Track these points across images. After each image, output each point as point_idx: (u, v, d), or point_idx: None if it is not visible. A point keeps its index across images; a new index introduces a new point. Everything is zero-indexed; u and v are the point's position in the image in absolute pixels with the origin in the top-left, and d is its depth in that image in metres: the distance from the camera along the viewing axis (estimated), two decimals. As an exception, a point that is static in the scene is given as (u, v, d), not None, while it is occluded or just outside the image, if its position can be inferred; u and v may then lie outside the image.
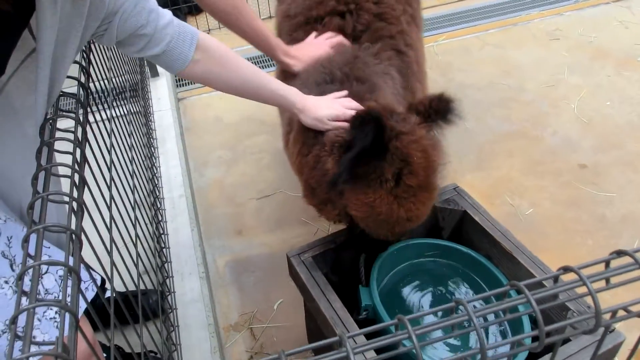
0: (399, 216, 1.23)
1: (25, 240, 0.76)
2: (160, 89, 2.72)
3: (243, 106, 2.75)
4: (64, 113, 1.06)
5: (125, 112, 1.75)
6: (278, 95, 1.31)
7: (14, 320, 0.64)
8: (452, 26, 3.32)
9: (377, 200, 1.21)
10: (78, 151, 1.00)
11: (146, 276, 1.54)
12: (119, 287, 1.29)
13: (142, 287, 1.35)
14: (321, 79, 1.40)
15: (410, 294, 1.53)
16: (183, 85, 2.98)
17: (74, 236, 0.79)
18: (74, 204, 0.86)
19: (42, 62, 0.91)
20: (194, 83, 2.96)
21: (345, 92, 1.34)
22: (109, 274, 1.06)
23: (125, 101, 1.83)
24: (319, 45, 1.52)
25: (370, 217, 1.25)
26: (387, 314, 1.32)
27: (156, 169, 2.15)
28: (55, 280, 1.21)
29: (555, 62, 3.01)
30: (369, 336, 1.23)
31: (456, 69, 2.96)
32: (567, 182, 2.32)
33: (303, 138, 1.34)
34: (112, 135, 1.41)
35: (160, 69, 2.80)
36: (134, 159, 1.67)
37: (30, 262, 0.73)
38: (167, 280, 1.75)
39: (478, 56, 3.08)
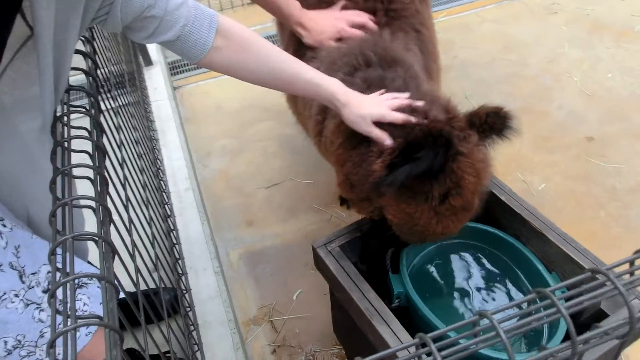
0: (435, 230, 1.20)
1: (52, 252, 0.70)
2: (156, 77, 2.63)
3: (244, 93, 2.68)
4: (76, 108, 0.99)
5: (127, 103, 1.68)
6: (314, 84, 1.17)
7: (52, 344, 0.58)
8: (449, 3, 3.27)
9: (418, 213, 1.17)
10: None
11: (157, 274, 1.49)
12: (131, 288, 1.24)
13: (154, 285, 1.29)
14: (355, 63, 1.31)
15: (439, 278, 1.50)
16: (178, 73, 2.89)
17: (99, 243, 0.74)
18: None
19: (42, 49, 0.82)
20: (190, 69, 2.87)
21: (390, 95, 1.24)
22: (134, 278, 1.00)
23: (125, 92, 1.75)
24: (336, 21, 1.42)
25: (406, 225, 1.21)
26: (421, 300, 1.28)
27: (160, 163, 2.08)
28: (68, 289, 1.14)
29: (555, 36, 2.98)
30: (406, 324, 1.20)
31: (458, 46, 2.91)
32: (576, 155, 2.30)
33: (347, 133, 1.25)
34: (120, 131, 1.34)
35: (154, 57, 2.71)
36: (141, 154, 1.60)
37: (67, 277, 0.67)
38: (182, 278, 1.70)
39: (478, 33, 3.03)
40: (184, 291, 1.64)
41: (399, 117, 1.18)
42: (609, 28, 3.01)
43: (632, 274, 0.61)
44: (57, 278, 0.67)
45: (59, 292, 1.02)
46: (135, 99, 1.91)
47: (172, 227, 1.83)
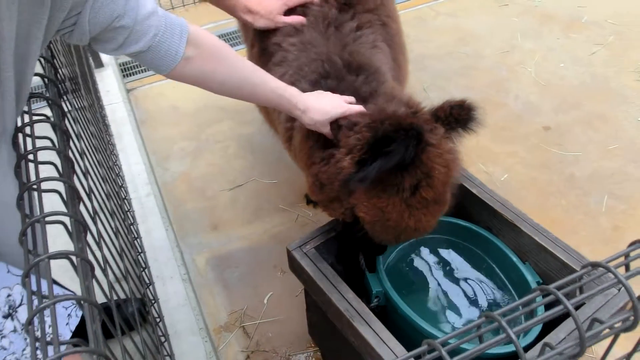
0: (407, 225, 1.18)
1: (27, 275, 0.64)
2: (107, 80, 2.51)
3: (199, 93, 2.57)
4: (39, 117, 0.92)
5: (84, 108, 1.59)
6: (277, 94, 1.18)
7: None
8: (403, -4, 3.28)
9: (389, 207, 1.15)
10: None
11: (120, 283, 1.42)
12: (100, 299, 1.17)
13: (117, 296, 1.22)
14: (322, 71, 1.30)
15: (414, 274, 1.49)
16: (131, 75, 2.78)
17: (77, 261, 0.68)
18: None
19: (3, 63, 0.77)
20: (143, 70, 2.76)
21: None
22: (107, 294, 0.94)
23: (81, 96, 1.66)
24: None
25: (379, 221, 1.19)
26: (400, 299, 1.27)
27: (118, 168, 1.99)
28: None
29: (507, 27, 3.04)
30: (384, 322, 1.19)
31: (414, 40, 2.92)
32: (534, 145, 2.36)
33: (314, 142, 1.25)
34: (81, 139, 1.27)
35: (104, 58, 2.59)
36: (101, 161, 1.52)
37: (45, 301, 0.61)
38: (150, 288, 1.63)
39: (433, 26, 3.06)
40: (153, 301, 1.57)
41: (356, 108, 1.21)
42: (558, 19, 3.10)
43: (627, 266, 0.62)
44: (34, 302, 0.62)
45: (24, 315, 0.95)
46: (89, 103, 1.81)
47: (135, 235, 1.75)
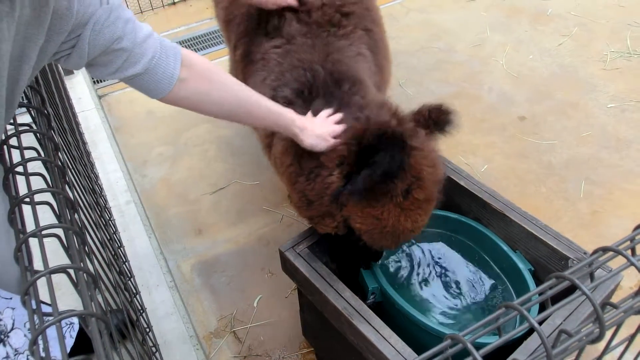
0: (404, 228, 1.19)
1: (26, 292, 0.61)
2: (78, 87, 2.44)
3: (174, 97, 2.56)
4: (25, 127, 0.89)
5: (60, 118, 1.54)
6: (275, 113, 1.16)
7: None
8: (372, -6, 3.29)
9: (385, 214, 1.16)
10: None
11: (110, 293, 1.37)
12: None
13: (110, 307, 1.18)
14: (304, 80, 1.29)
15: (405, 269, 1.49)
16: (101, 81, 2.70)
17: (78, 275, 0.65)
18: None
19: None
20: (113, 77, 2.69)
21: (330, 110, 1.26)
22: (103, 307, 0.91)
23: (55, 104, 1.60)
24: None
25: (376, 229, 1.19)
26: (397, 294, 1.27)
27: (96, 176, 1.93)
28: (25, 335, 1.02)
29: (477, 22, 3.08)
30: (380, 315, 1.18)
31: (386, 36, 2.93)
32: (512, 135, 2.39)
33: (296, 152, 1.24)
34: (62, 149, 1.22)
35: (73, 66, 2.52)
36: (81, 172, 1.47)
37: (49, 319, 0.58)
38: (137, 297, 1.58)
39: (405, 22, 3.08)
40: (141, 311, 1.53)
41: (342, 127, 1.21)
42: (525, 12, 3.16)
43: (633, 250, 0.63)
44: (36, 321, 0.59)
45: (20, 337, 0.91)
46: (64, 111, 1.76)
47: (119, 244, 1.70)
